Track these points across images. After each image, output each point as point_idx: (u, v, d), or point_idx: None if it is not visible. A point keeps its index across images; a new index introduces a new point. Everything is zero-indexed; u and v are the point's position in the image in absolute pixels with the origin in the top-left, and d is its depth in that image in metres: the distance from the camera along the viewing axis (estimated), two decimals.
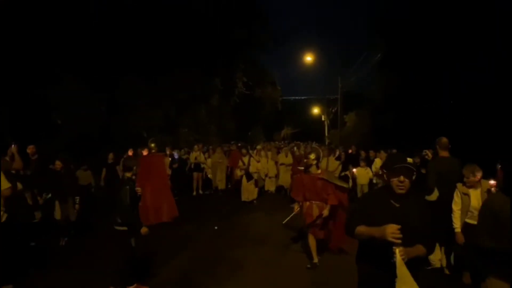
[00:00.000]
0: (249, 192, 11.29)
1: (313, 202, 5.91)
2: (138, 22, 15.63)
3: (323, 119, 34.03)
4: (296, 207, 6.21)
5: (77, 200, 7.12)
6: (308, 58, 24.73)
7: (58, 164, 7.08)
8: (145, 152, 9.29)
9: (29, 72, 11.46)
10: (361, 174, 11.03)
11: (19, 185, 5.88)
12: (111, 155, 10.37)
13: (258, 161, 11.77)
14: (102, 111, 13.73)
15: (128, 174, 4.98)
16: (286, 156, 13.23)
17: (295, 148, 15.74)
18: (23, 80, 11.37)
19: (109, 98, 13.99)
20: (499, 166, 7.18)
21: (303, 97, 47.56)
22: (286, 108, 39.82)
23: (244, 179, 11.29)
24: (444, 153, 5.53)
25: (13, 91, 11.03)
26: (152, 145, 7.53)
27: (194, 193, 12.74)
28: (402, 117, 16.97)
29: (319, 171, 6.06)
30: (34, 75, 11.68)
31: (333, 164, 10.32)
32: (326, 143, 26.37)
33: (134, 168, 5.15)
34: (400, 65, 16.38)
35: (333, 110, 29.88)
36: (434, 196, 5.39)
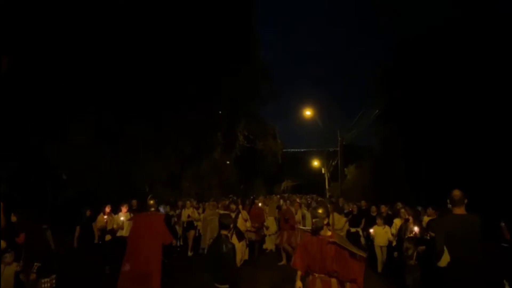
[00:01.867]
0: (240, 253, 9.63)
1: (317, 275, 4.50)
2: (142, 75, 16.04)
3: (323, 171, 34.20)
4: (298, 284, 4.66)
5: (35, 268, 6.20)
6: (308, 112, 25.36)
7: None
8: (124, 209, 9.17)
9: (33, 125, 11.76)
10: (380, 234, 9.32)
11: (3, 243, 5.87)
12: (88, 212, 9.86)
13: (246, 220, 10.43)
14: (106, 165, 13.85)
15: (224, 232, 4.97)
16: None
17: (281, 202, 14.51)
18: (28, 133, 11.63)
19: (112, 151, 14.17)
20: (503, 224, 7.23)
21: (302, 150, 48.14)
22: (287, 160, 40.16)
23: (234, 239, 9.45)
24: (459, 210, 4.78)
25: (19, 144, 11.28)
26: (151, 202, 7.02)
27: (190, 253, 11.58)
28: (403, 169, 17.10)
29: (330, 233, 4.62)
30: (39, 127, 11.97)
31: (339, 221, 9.73)
32: (327, 196, 26.28)
33: (231, 226, 5.16)
34: (400, 118, 16.80)
35: (333, 163, 30.11)
36: (444, 261, 4.69)
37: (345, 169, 26.09)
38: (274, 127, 32.40)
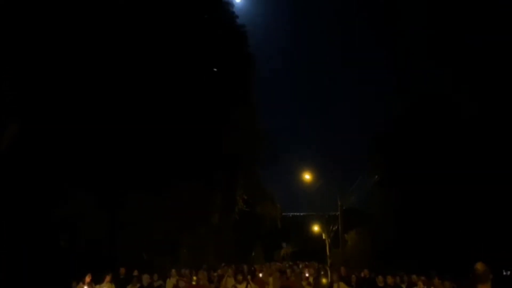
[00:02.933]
0: None
1: None
2: (143, 145, 16.37)
3: (323, 237, 33.43)
4: None
5: None
6: (307, 176, 25.44)
7: None
8: (107, 278, 8.91)
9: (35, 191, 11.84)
10: None
11: None
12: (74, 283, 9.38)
13: None
14: (105, 232, 13.70)
15: None
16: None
17: (287, 272, 13.28)
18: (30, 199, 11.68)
19: (111, 219, 14.09)
20: None
21: (302, 213, 47.50)
22: (286, 224, 39.47)
23: None
24: (484, 287, 4.27)
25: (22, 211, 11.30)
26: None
27: None
28: (403, 235, 16.89)
29: None
30: (41, 193, 12.03)
31: None
32: (328, 263, 25.52)
33: None
34: (399, 183, 16.92)
35: (333, 228, 29.60)
36: None
37: (346, 234, 25.60)
38: (272, 191, 32.33)
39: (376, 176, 17.80)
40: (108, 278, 8.89)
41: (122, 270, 10.00)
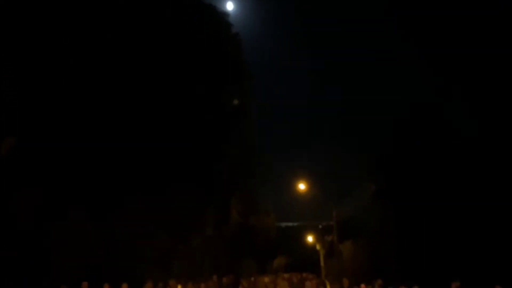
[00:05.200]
0: None
1: None
2: (135, 155, 16.13)
3: (317, 248, 33.20)
4: None
5: None
6: (301, 186, 25.24)
7: None
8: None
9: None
10: None
11: None
12: None
13: None
14: (100, 250, 13.41)
15: None
16: None
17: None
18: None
19: (103, 234, 13.79)
20: None
21: (296, 224, 47.22)
22: (280, 235, 39.12)
23: None
24: None
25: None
26: None
27: None
28: (401, 245, 16.72)
29: None
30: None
31: None
32: (323, 275, 25.28)
33: None
34: (397, 194, 16.82)
35: (328, 239, 29.38)
36: None
37: (341, 245, 25.38)
38: (267, 202, 32.07)
39: (373, 187, 17.72)
40: None
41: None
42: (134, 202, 15.25)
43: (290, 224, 48.30)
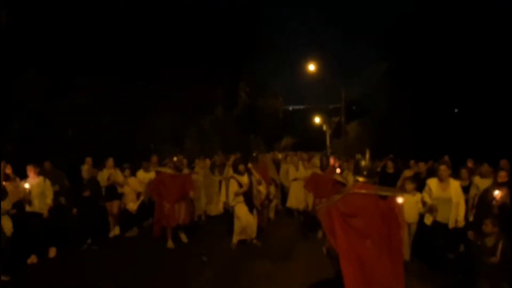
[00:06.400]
0: (248, 227, 7.62)
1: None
2: (142, 31, 15.52)
3: (324, 129, 33.97)
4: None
5: None
6: (311, 67, 24.63)
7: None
8: (31, 173, 6.92)
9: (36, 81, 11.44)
10: (410, 204, 5.99)
11: None
12: None
13: (260, 183, 8.11)
14: (108, 124, 13.57)
15: None
16: (297, 169, 10.68)
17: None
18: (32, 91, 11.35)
19: (114, 110, 13.86)
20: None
21: (302, 107, 47.71)
22: (288, 118, 39.84)
23: (240, 209, 7.61)
24: None
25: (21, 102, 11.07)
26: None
27: (111, 234, 8.61)
28: (409, 126, 16.87)
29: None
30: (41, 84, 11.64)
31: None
32: (328, 153, 26.24)
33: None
34: (407, 74, 16.37)
35: (335, 119, 29.82)
36: None
37: (347, 125, 25.86)
38: (275, 84, 31.85)
39: (385, 66, 17.16)
40: (32, 171, 7.07)
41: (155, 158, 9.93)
42: (143, 82, 15.09)
43: (297, 107, 48.87)
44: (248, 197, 7.71)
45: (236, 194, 7.68)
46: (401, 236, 4.02)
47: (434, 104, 15.56)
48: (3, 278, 5.75)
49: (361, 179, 4.19)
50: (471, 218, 6.42)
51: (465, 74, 14.09)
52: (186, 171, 8.73)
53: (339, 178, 7.74)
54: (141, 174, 9.49)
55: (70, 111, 12.19)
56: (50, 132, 11.87)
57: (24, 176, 6.99)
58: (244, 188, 7.64)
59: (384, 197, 3.95)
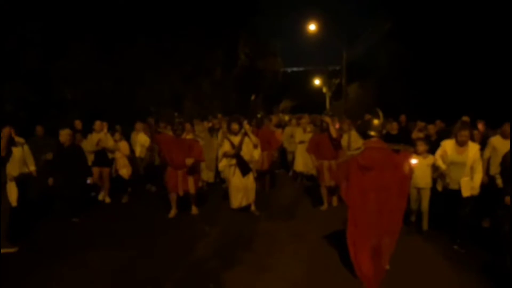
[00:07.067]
0: (244, 191, 7.20)
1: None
2: None
3: (324, 91, 33.69)
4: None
5: None
6: (312, 27, 23.93)
7: None
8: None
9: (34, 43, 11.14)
10: (421, 168, 5.76)
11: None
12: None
13: (256, 146, 7.35)
14: (109, 85, 13.36)
15: None
16: (305, 131, 10.48)
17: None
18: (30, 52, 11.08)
19: (113, 71, 13.60)
20: None
21: (303, 68, 46.94)
22: (287, 79, 39.30)
23: (234, 173, 7.22)
24: None
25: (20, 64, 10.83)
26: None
27: (101, 197, 8.41)
28: (411, 87, 16.63)
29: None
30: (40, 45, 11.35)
31: (357, 140, 7.80)
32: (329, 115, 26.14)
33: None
34: (409, 34, 15.95)
35: (335, 81, 29.51)
36: None
37: (347, 87, 25.55)
38: (275, 45, 31.06)
39: (388, 25, 16.66)
40: (98, 126, 7.77)
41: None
42: (142, 42, 14.73)
43: (296, 69, 48.08)
44: (242, 160, 7.17)
45: (225, 155, 7.25)
46: (402, 204, 4.21)
47: (437, 64, 15.27)
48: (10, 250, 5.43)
49: (373, 133, 4.29)
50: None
51: (470, 32, 13.71)
52: (190, 136, 8.36)
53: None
54: (142, 137, 9.41)
55: (69, 72, 11.91)
56: (49, 95, 11.70)
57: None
58: (235, 150, 7.12)
59: (397, 151, 4.34)
